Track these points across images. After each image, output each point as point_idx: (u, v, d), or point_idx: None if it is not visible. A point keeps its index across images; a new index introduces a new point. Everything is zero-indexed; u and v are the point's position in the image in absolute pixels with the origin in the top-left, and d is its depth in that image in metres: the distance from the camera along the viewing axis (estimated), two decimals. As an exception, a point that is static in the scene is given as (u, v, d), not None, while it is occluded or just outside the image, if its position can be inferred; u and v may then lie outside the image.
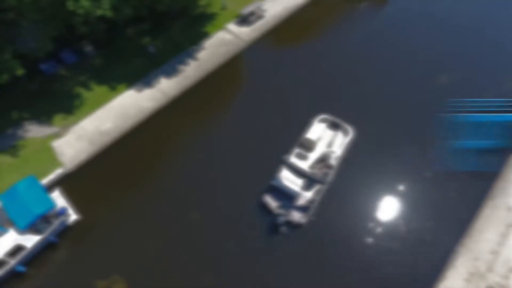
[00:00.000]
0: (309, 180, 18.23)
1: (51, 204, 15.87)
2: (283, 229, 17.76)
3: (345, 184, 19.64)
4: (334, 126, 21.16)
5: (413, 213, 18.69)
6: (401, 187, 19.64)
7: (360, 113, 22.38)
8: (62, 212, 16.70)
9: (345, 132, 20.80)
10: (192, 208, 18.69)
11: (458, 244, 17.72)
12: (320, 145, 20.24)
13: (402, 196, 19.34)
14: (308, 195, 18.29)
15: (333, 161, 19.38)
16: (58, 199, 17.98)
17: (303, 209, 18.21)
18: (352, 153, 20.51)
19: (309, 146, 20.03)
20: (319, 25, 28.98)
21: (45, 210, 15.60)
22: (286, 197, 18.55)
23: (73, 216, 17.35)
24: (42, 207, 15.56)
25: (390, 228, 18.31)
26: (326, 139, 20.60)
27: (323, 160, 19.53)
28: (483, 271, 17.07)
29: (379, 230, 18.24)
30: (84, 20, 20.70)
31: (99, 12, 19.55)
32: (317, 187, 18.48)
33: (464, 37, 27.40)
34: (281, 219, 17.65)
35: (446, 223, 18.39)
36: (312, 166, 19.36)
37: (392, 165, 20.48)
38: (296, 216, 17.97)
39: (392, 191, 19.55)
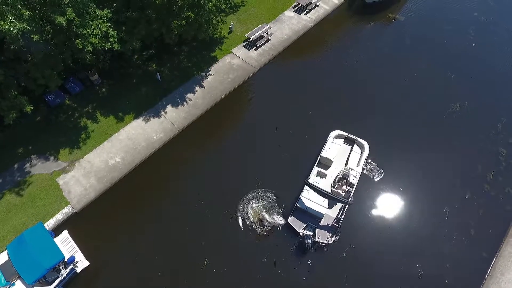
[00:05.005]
0: (334, 200, 18.39)
1: (61, 255, 15.18)
2: (311, 249, 17.80)
3: (363, 203, 19.74)
4: (348, 141, 21.50)
5: (431, 252, 18.12)
6: (417, 221, 19.16)
7: (372, 131, 22.25)
8: (71, 261, 16.02)
9: (361, 147, 21.11)
10: (210, 240, 18.25)
11: (480, 286, 17.25)
12: (337, 161, 20.50)
13: (417, 232, 18.79)
14: (333, 215, 18.61)
15: (353, 179, 19.41)
16: (66, 241, 17.34)
17: (329, 229, 18.33)
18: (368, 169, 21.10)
19: (327, 164, 20.46)
20: (327, 47, 28.53)
21: (55, 263, 14.92)
22: (311, 217, 18.67)
23: (82, 262, 16.68)
24: (51, 260, 14.86)
25: (407, 270, 17.70)
26: (343, 155, 20.96)
27: (343, 178, 19.55)
28: (507, 315, 16.59)
29: (396, 272, 17.65)
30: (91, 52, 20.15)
31: (107, 45, 18.99)
32: (341, 206, 18.73)
33: (475, 63, 26.96)
34: (309, 241, 17.68)
35: (467, 263, 17.91)
36: (333, 185, 19.53)
37: (405, 196, 20.12)
38: (323, 237, 18.06)
39: (408, 226, 19.05)
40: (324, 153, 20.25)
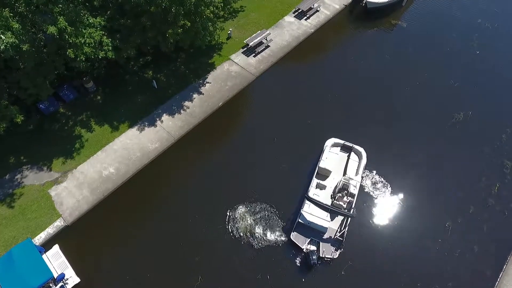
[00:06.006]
0: (337, 214, 17.92)
1: (49, 274, 14.69)
2: (316, 265, 17.21)
3: (364, 216, 19.11)
4: (345, 149, 21.18)
5: (432, 270, 17.49)
6: (417, 236, 18.51)
7: (373, 141, 21.69)
8: (61, 278, 15.50)
9: (358, 155, 20.76)
10: (204, 256, 17.63)
11: (484, 305, 16.70)
12: (335, 171, 20.14)
13: (418, 248, 18.17)
14: (336, 228, 18.14)
15: (353, 188, 18.96)
16: (57, 257, 16.84)
17: (333, 242, 17.86)
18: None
19: (326, 175, 20.07)
20: (327, 53, 27.93)
21: (43, 282, 14.43)
22: (314, 231, 18.15)
23: (72, 279, 16.14)
24: (40, 278, 14.39)
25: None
26: (341, 164, 20.62)
27: (343, 189, 19.11)
28: (512, 337, 15.99)
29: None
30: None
31: (101, 54, 18.47)
32: (344, 218, 18.24)
33: (479, 71, 26.24)
34: (314, 257, 17.13)
35: (470, 281, 17.27)
36: (334, 197, 19.07)
37: (406, 209, 19.54)
38: (327, 251, 17.55)
39: (409, 241, 18.39)
40: (322, 164, 19.78)
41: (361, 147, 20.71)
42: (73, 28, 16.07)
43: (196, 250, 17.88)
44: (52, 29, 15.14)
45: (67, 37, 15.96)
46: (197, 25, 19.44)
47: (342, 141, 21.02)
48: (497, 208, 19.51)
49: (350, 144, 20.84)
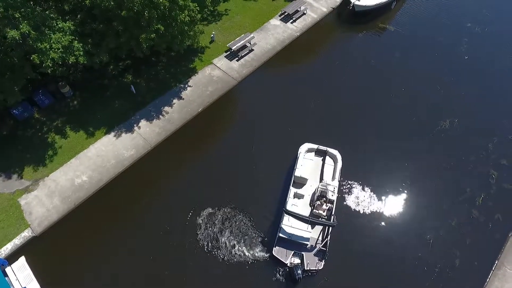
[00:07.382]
0: (317, 224, 17.43)
1: (7, 290, 14.15)
2: (301, 280, 16.56)
3: (344, 225, 18.31)
4: (319, 153, 20.75)
5: (411, 286, 16.93)
6: (397, 250, 17.91)
7: (355, 148, 21.23)
8: (23, 293, 14.99)
9: (333, 158, 20.31)
10: (174, 270, 16.99)
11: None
12: (312, 178, 19.67)
13: (397, 262, 17.56)
14: (318, 238, 17.66)
15: (331, 195, 18.40)
16: (22, 269, 16.26)
17: (317, 253, 17.39)
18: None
19: (302, 182, 19.55)
20: (312, 58, 27.25)
21: (-1, 299, 13.90)
22: (296, 244, 17.60)
23: (36, 293, 15.63)
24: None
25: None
26: (317, 170, 20.16)
27: (322, 196, 18.56)
28: None
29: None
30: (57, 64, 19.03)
31: (71, 59, 17.88)
32: (325, 228, 17.78)
33: (467, 77, 25.60)
34: (298, 272, 16.54)
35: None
36: (313, 205, 18.49)
37: (386, 221, 18.93)
38: (312, 263, 17.06)
39: (387, 255, 17.79)
40: (297, 172, 19.20)
41: (336, 150, 20.15)
42: (37, 33, 15.46)
43: (166, 265, 17.24)
44: (13, 33, 14.54)
45: (30, 42, 15.35)
46: (172, 30, 18.83)
47: (315, 146, 20.43)
48: (481, 220, 18.88)
49: (325, 148, 20.28)
